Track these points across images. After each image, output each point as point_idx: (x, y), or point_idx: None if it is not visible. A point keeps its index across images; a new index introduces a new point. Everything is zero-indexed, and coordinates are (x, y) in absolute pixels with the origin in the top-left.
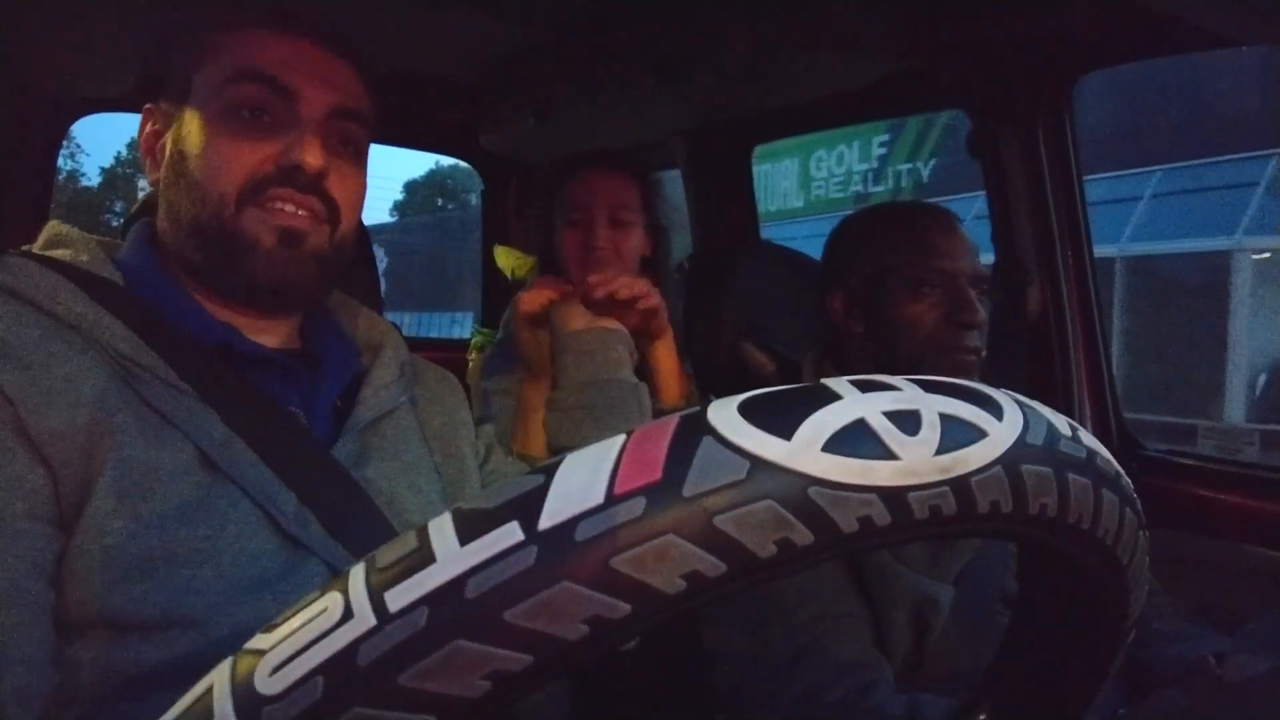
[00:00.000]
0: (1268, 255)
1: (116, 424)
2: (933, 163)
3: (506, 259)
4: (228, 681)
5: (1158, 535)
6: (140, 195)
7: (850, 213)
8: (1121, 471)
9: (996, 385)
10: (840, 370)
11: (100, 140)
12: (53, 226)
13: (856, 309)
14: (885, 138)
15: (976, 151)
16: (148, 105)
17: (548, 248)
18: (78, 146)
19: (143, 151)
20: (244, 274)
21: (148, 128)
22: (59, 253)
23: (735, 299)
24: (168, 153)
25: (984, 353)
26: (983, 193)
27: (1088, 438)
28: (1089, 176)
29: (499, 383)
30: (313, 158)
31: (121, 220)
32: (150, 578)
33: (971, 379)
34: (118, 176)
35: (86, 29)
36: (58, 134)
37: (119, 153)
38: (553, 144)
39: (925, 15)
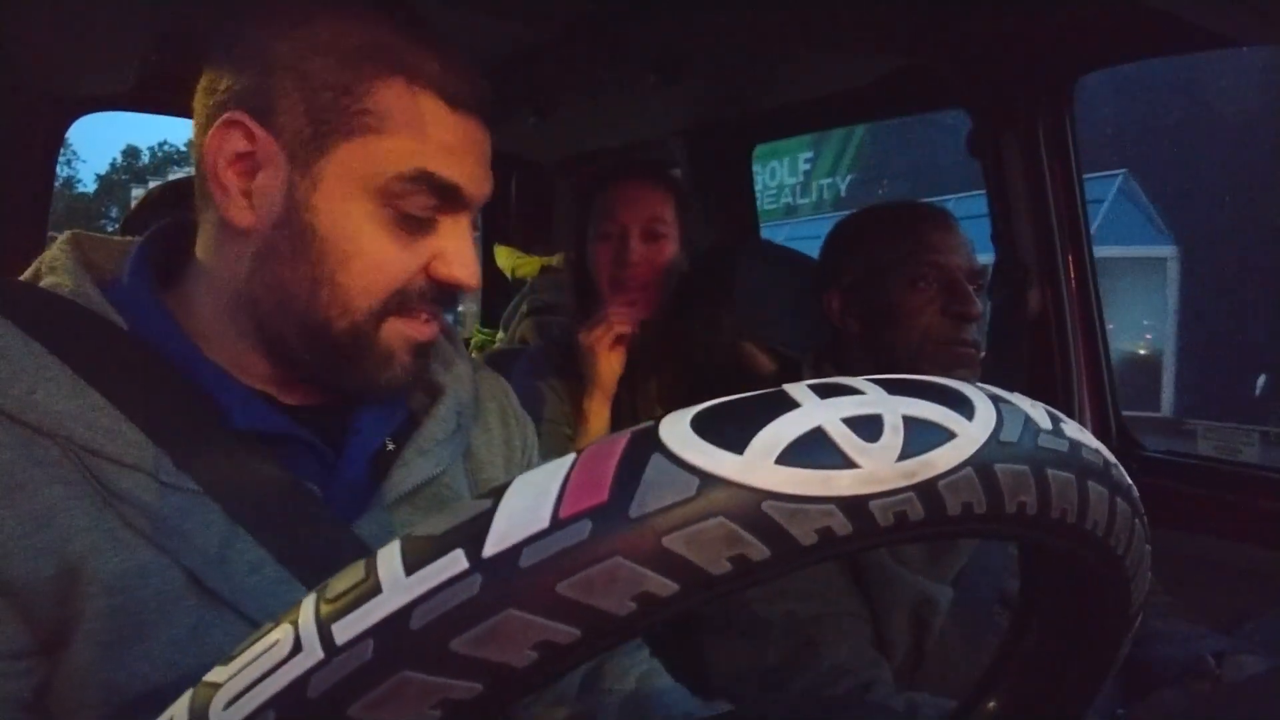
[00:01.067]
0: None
1: (91, 566)
2: (849, 178)
3: (507, 259)
4: (185, 715)
5: (1156, 535)
6: (133, 202)
7: (845, 214)
8: (1111, 460)
9: (997, 385)
10: (840, 369)
11: (95, 147)
12: (55, 247)
13: (854, 307)
14: (809, 155)
15: (977, 151)
16: (231, 117)
17: (579, 259)
18: (74, 153)
19: (224, 178)
20: (366, 383)
21: (233, 146)
22: (49, 281)
23: (735, 299)
24: (279, 208)
25: (982, 349)
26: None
27: (1072, 429)
28: (972, 193)
29: (543, 410)
30: (475, 279)
31: (117, 225)
32: (145, 713)
33: (971, 372)
34: (113, 183)
35: (86, 28)
36: (58, 133)
37: (114, 159)
38: (553, 143)
39: (925, 15)
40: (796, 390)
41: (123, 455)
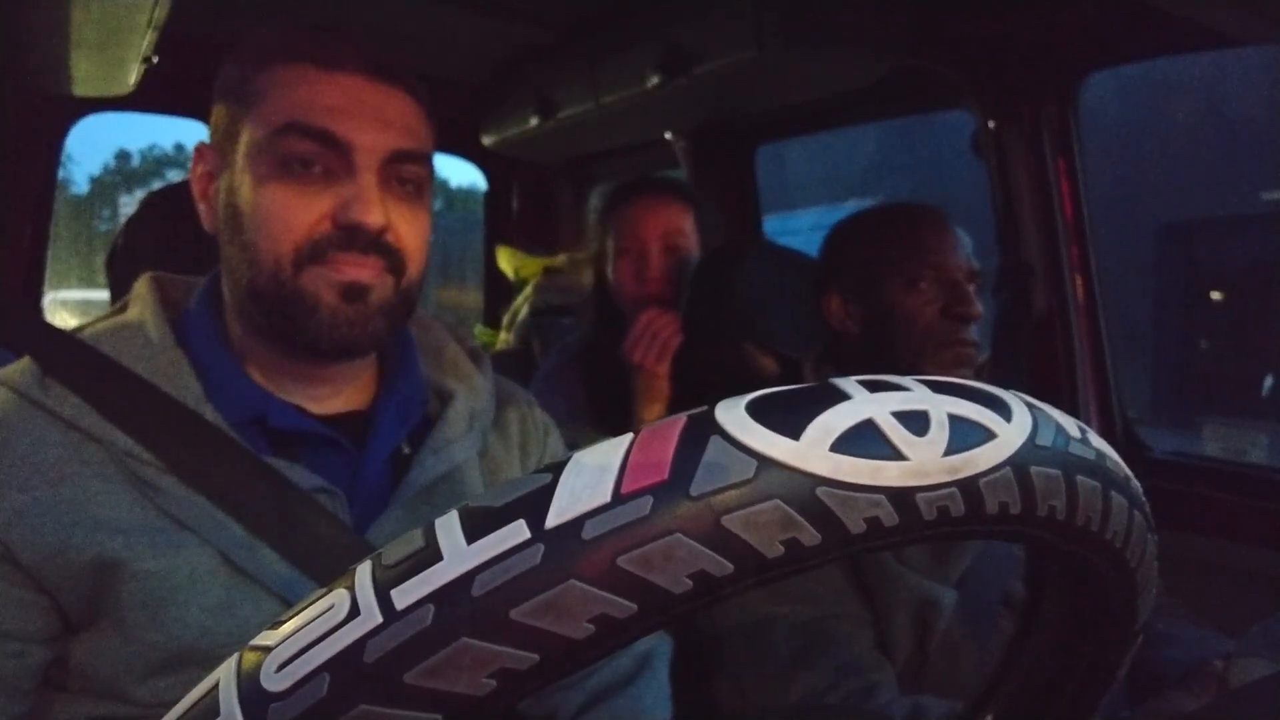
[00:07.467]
0: None
1: (129, 544)
2: None
3: (509, 260)
4: (234, 678)
5: (1162, 537)
6: (122, 208)
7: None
8: (1131, 474)
9: (1001, 386)
10: (840, 371)
11: (86, 149)
12: (138, 284)
13: (853, 308)
14: None
15: (981, 151)
16: (198, 144)
17: (601, 276)
18: (67, 155)
19: (196, 195)
20: (308, 335)
21: (199, 169)
22: (132, 311)
23: (738, 300)
24: (221, 203)
25: (984, 349)
26: None
27: (1097, 440)
28: (781, 214)
29: (571, 433)
30: (373, 217)
31: (110, 226)
32: (175, 674)
33: (969, 372)
34: (105, 185)
35: (87, 29)
36: (59, 134)
37: (107, 162)
38: (556, 143)
39: (929, 14)
40: (845, 383)
41: (156, 480)
